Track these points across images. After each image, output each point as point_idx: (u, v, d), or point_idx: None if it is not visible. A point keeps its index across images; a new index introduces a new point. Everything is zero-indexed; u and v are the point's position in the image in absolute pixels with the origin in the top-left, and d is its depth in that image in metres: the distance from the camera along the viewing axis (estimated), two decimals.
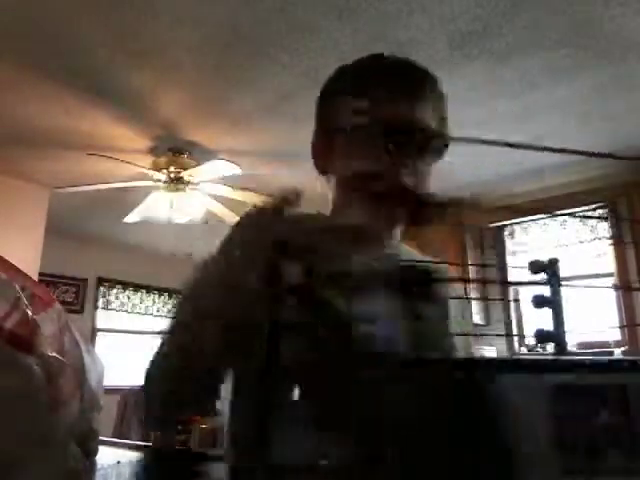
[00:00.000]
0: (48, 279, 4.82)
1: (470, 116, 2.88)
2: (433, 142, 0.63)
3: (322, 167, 0.69)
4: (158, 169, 3.30)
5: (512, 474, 0.25)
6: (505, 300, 3.95)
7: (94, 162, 3.25)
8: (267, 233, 0.47)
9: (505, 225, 4.05)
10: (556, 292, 0.49)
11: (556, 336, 0.46)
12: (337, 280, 0.42)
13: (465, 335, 0.66)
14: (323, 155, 0.68)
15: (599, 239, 3.68)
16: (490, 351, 3.48)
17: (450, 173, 3.68)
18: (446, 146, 0.66)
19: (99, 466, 0.46)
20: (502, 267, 4.08)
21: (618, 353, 3.32)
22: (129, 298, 5.80)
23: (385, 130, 0.60)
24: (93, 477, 0.44)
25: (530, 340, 3.46)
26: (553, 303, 0.48)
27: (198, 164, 3.21)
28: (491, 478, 0.25)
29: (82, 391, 0.42)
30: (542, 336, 0.46)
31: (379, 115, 0.61)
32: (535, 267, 0.49)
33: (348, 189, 0.64)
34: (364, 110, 0.60)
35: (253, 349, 0.42)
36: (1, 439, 0.34)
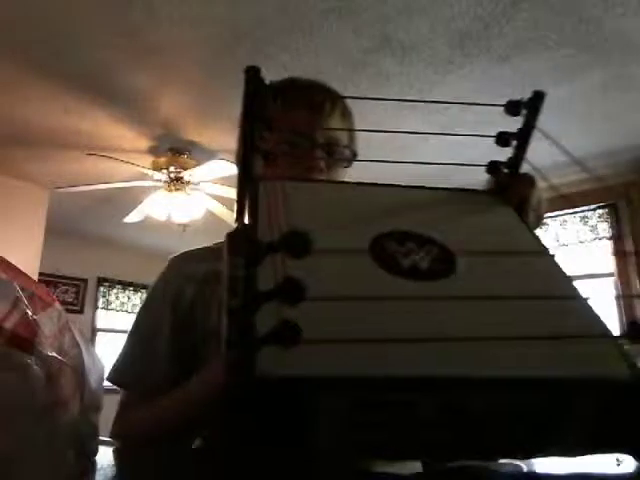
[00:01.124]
0: (48, 279, 4.82)
1: (470, 116, 2.88)
2: (341, 151, 0.75)
3: None
4: (158, 169, 3.30)
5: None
6: None
7: (94, 162, 3.26)
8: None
9: None
10: (529, 126, 0.51)
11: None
12: None
13: None
14: None
15: (599, 239, 3.68)
16: None
17: (452, 174, 3.68)
18: (354, 156, 0.78)
19: (99, 466, 0.46)
20: None
21: None
22: (129, 298, 5.80)
23: (301, 142, 0.72)
24: (93, 477, 0.44)
25: None
26: (520, 135, 0.50)
27: (198, 164, 3.21)
28: None
29: (82, 391, 0.42)
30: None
31: (297, 129, 0.73)
32: (513, 106, 0.51)
33: None
34: (287, 126, 0.71)
35: None
36: (0, 440, 0.34)
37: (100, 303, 5.52)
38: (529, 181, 0.56)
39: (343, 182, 0.73)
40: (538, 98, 0.53)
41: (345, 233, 0.44)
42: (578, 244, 3.75)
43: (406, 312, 0.35)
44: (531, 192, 0.55)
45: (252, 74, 0.44)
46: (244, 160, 0.44)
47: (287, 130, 0.71)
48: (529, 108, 0.53)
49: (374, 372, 0.30)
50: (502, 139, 0.54)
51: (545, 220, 0.59)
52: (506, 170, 0.54)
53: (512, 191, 0.53)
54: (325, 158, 0.74)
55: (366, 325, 0.34)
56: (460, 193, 0.54)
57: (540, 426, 0.33)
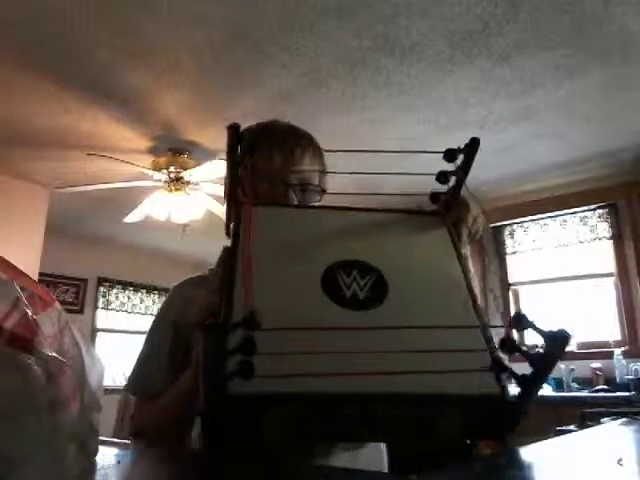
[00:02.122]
0: (48, 279, 4.82)
1: (470, 116, 2.89)
2: (312, 188, 0.87)
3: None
4: (158, 169, 3.30)
5: None
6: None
7: (94, 162, 3.26)
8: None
9: (505, 225, 4.05)
10: (465, 168, 0.63)
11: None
12: None
13: None
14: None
15: (599, 239, 3.68)
16: None
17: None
18: (323, 191, 0.89)
19: (99, 466, 0.46)
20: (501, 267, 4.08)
21: (618, 353, 3.32)
22: (129, 298, 5.80)
23: (277, 184, 0.84)
24: (93, 477, 0.44)
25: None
26: (457, 174, 0.64)
27: (198, 164, 3.21)
28: None
29: (82, 391, 0.42)
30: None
31: (272, 172, 0.85)
32: (449, 153, 0.62)
33: None
34: (263, 170, 0.84)
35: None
36: (0, 440, 0.34)
37: (100, 303, 5.52)
38: (464, 205, 0.67)
39: (311, 206, 0.85)
40: (473, 144, 0.62)
41: (303, 262, 0.55)
42: (578, 244, 3.75)
43: (340, 338, 0.48)
44: (465, 213, 0.67)
45: (233, 131, 0.58)
46: (230, 191, 0.61)
47: (265, 174, 0.84)
48: (466, 153, 0.62)
49: (305, 390, 0.44)
50: (441, 177, 0.64)
51: (485, 229, 0.74)
52: (446, 198, 0.66)
53: (449, 214, 0.65)
54: (298, 197, 0.86)
55: (307, 352, 0.45)
56: (407, 215, 0.66)
57: (430, 424, 0.48)
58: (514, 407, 0.47)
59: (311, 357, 0.45)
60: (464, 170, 0.63)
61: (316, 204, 0.88)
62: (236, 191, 0.62)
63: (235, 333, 0.43)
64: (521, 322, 0.47)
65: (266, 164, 0.85)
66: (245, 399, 0.42)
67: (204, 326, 0.43)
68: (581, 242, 3.74)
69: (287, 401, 0.44)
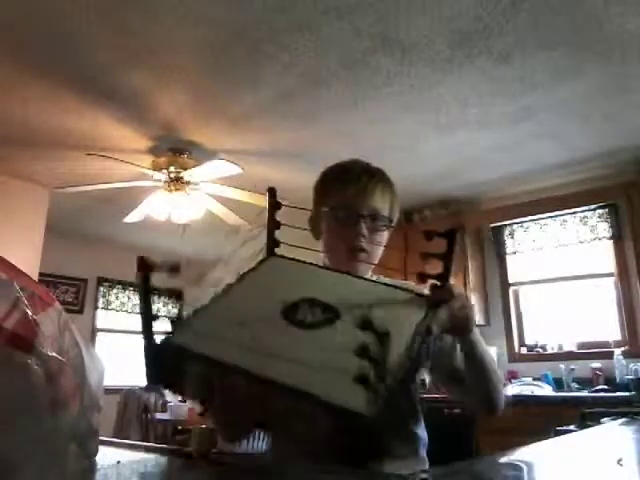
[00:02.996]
0: (48, 279, 4.82)
1: (470, 116, 2.88)
2: (381, 222, 1.01)
3: (316, 235, 1.09)
4: (158, 169, 3.30)
5: None
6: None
7: (94, 162, 3.26)
8: None
9: (505, 225, 4.05)
10: (449, 253, 0.67)
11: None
12: None
13: None
14: (316, 227, 1.08)
15: (599, 239, 3.67)
16: (491, 351, 3.47)
17: (452, 174, 3.69)
18: (392, 224, 1.03)
19: (99, 466, 0.46)
20: (502, 267, 4.08)
21: (618, 353, 3.32)
22: (129, 298, 5.80)
23: (350, 213, 0.99)
24: (93, 477, 0.44)
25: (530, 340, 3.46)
26: (443, 258, 0.68)
27: (198, 164, 3.21)
28: None
29: (82, 391, 0.42)
30: None
31: (347, 204, 1.00)
32: (428, 234, 0.68)
33: (329, 248, 1.04)
34: (340, 202, 1.00)
35: None
36: (0, 440, 0.34)
37: (100, 303, 5.52)
38: (448, 292, 0.71)
39: (314, 264, 0.93)
40: (453, 232, 0.67)
41: (281, 293, 0.67)
42: (578, 244, 3.75)
43: (266, 333, 0.59)
44: (449, 299, 0.70)
45: (272, 194, 0.79)
46: (268, 244, 0.81)
47: (340, 205, 1.00)
48: (447, 240, 0.67)
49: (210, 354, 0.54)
50: (422, 277, 0.69)
51: (472, 316, 0.79)
52: (433, 280, 0.70)
53: (431, 297, 0.69)
54: (368, 225, 1.00)
55: (232, 331, 0.58)
56: (390, 288, 0.73)
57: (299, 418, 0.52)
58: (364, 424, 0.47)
59: (238, 336, 0.56)
60: (447, 256, 0.67)
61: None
62: (272, 244, 0.79)
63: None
64: None
65: (340, 197, 1.00)
66: (166, 347, 0.54)
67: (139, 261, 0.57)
68: (581, 242, 3.73)
69: (193, 358, 0.53)
